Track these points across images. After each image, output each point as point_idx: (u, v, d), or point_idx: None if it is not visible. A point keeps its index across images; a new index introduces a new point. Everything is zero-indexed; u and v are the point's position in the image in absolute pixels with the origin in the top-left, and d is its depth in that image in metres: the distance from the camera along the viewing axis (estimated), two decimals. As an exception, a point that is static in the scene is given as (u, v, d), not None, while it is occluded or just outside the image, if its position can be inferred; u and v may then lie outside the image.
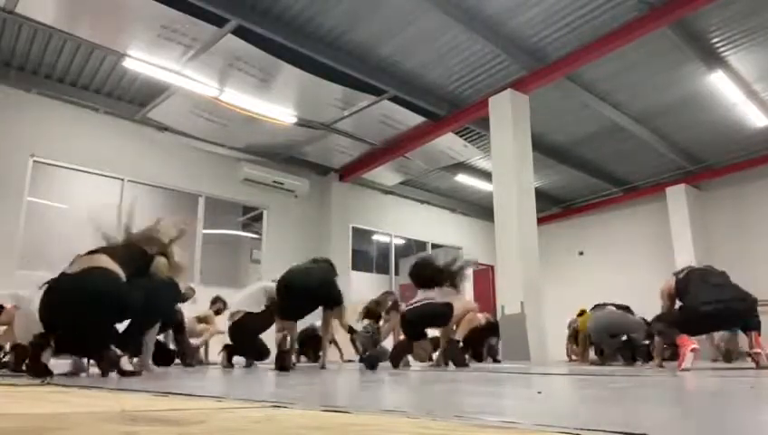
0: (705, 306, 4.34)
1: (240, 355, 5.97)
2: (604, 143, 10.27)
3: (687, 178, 11.54)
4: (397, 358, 5.15)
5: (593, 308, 6.74)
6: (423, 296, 5.19)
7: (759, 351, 4.24)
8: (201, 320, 6.84)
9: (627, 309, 6.58)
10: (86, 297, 3.10)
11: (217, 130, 9.27)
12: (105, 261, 3.27)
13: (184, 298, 6.68)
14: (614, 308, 6.40)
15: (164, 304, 3.53)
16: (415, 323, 5.14)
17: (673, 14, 6.38)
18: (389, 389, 2.41)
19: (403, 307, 5.78)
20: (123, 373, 3.28)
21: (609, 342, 6.40)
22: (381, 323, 7.03)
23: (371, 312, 7.15)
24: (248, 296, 5.80)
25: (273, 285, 5.21)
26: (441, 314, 5.04)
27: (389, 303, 7.18)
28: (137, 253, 3.60)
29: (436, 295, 5.16)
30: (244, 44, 6.88)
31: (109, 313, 3.17)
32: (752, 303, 4.34)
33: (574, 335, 7.75)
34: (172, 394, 1.80)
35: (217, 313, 7.00)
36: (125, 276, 3.29)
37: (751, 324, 4.35)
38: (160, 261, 3.61)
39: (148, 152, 8.97)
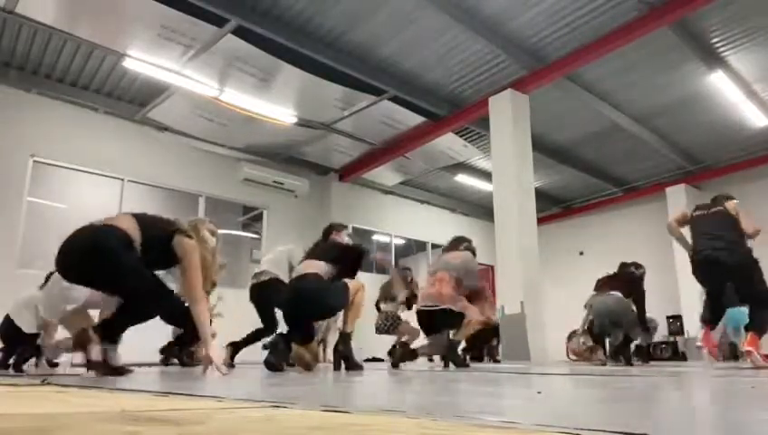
0: (697, 255, 4.58)
1: (254, 339, 5.54)
2: (604, 143, 10.27)
3: (687, 178, 11.54)
4: (398, 361, 5.12)
5: (595, 290, 6.54)
6: (431, 290, 5.09)
7: (749, 349, 4.27)
8: None
9: (638, 296, 6.33)
10: (85, 244, 3.11)
11: (217, 130, 9.28)
12: (123, 219, 3.22)
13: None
14: (619, 295, 6.19)
15: (162, 301, 3.40)
16: (429, 324, 5.15)
17: (673, 14, 6.39)
18: (389, 389, 2.41)
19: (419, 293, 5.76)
20: (113, 371, 3.24)
21: (613, 331, 6.27)
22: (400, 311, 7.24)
23: (387, 294, 7.25)
24: (272, 260, 5.61)
25: (299, 251, 5.08)
26: (453, 318, 5.02)
27: (410, 278, 7.28)
28: (164, 222, 3.48)
29: (445, 290, 5.03)
30: (244, 44, 6.89)
31: (103, 260, 3.08)
32: (750, 279, 4.38)
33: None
34: (172, 394, 1.80)
35: None
36: (141, 238, 3.20)
37: (752, 321, 4.39)
38: (185, 241, 3.33)
39: (148, 152, 8.98)
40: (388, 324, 7.12)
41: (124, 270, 3.11)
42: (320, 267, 4.34)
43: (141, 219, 3.29)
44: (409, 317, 7.30)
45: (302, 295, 4.28)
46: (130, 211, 3.39)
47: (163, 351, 5.70)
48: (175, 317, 4.66)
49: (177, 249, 3.28)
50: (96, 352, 3.09)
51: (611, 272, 6.58)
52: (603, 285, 6.40)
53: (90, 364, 3.15)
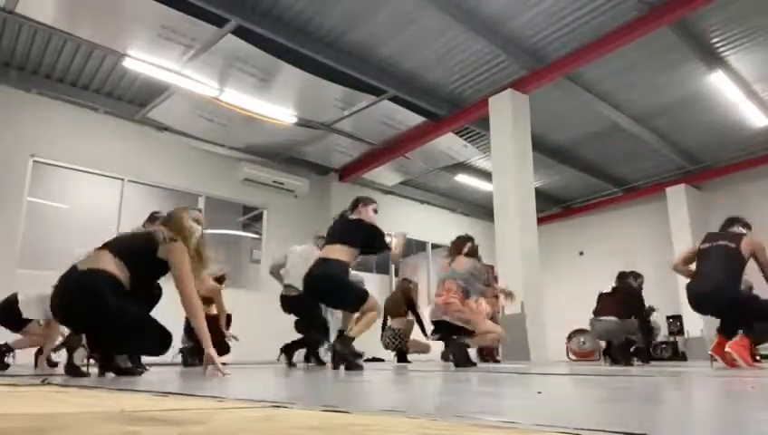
0: (688, 291, 4.59)
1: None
2: (604, 143, 10.27)
3: (687, 178, 11.54)
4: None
5: (596, 308, 6.61)
6: (438, 301, 5.12)
7: (728, 350, 4.28)
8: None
9: (639, 313, 6.46)
10: (73, 289, 3.11)
11: (217, 130, 9.28)
12: (104, 259, 3.16)
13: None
14: (612, 320, 6.29)
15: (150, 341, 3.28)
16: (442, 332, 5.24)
17: (673, 14, 6.39)
18: (389, 389, 2.41)
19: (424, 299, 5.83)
20: (119, 371, 3.26)
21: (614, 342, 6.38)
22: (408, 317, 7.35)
23: (393, 311, 7.28)
24: (304, 262, 5.19)
25: (314, 251, 5.14)
26: (456, 328, 5.05)
27: (412, 288, 7.30)
28: (142, 238, 3.43)
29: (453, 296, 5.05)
30: (244, 44, 6.88)
31: (91, 305, 3.08)
32: (734, 304, 4.38)
33: None
34: (172, 394, 1.80)
35: (219, 280, 6.26)
36: (128, 267, 3.16)
37: (752, 326, 4.39)
38: (171, 247, 3.24)
39: (149, 152, 8.98)
40: (396, 342, 7.19)
41: (112, 315, 3.07)
42: (343, 252, 4.30)
43: (119, 250, 3.23)
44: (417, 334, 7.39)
45: (325, 280, 4.27)
46: (104, 245, 3.30)
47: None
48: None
49: (164, 257, 3.25)
50: (80, 357, 3.09)
51: (612, 286, 6.67)
52: (603, 305, 6.47)
53: (69, 368, 3.13)
